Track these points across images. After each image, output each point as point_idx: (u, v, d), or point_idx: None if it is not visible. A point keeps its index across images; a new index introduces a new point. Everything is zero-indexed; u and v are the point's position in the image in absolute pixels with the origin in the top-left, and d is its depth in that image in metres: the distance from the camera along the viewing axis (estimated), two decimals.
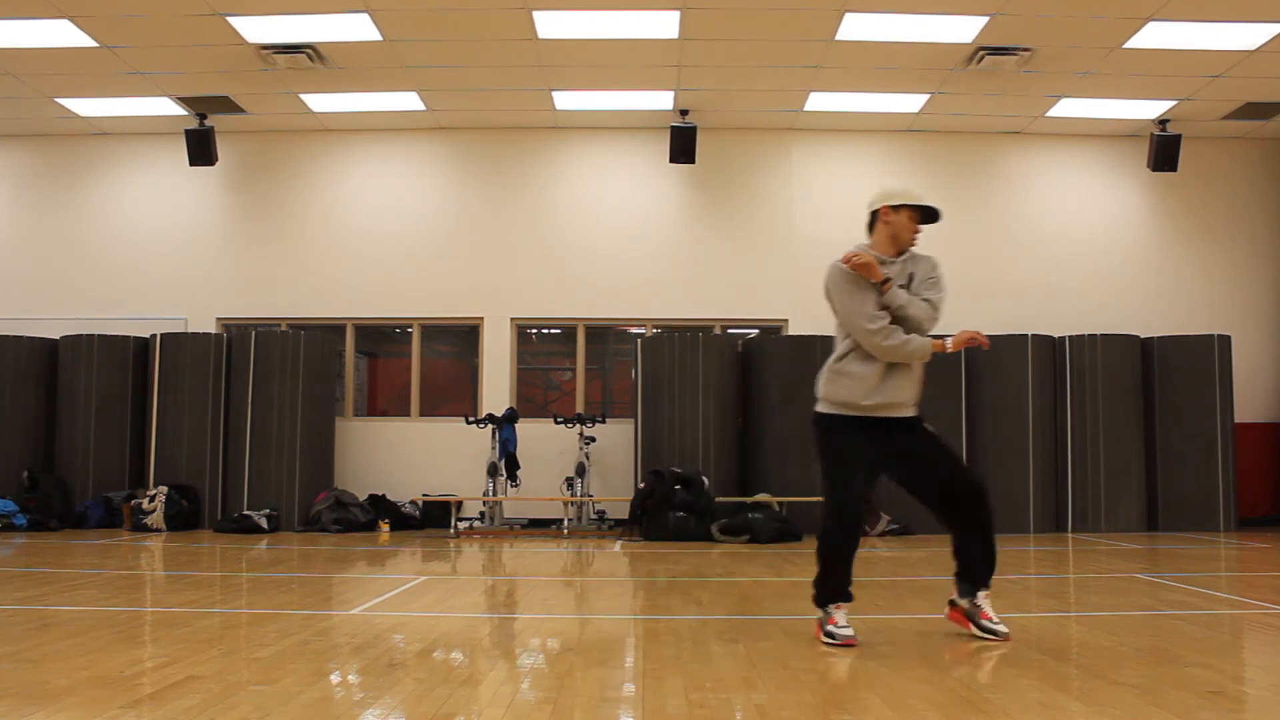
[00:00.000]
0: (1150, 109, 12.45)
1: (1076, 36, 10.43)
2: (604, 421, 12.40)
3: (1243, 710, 3.68)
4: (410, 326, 13.41)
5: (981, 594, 5.00)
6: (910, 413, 4.98)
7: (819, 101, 12.31)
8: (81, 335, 12.27)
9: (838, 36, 10.42)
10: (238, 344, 12.22)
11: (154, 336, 12.29)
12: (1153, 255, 13.37)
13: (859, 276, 4.88)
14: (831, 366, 4.98)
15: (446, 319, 13.41)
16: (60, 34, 10.31)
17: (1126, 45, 10.54)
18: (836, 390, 4.92)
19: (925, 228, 5.07)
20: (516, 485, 12.09)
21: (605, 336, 13.75)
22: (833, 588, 4.93)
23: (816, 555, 4.96)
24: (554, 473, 12.49)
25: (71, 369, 12.19)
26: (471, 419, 12.33)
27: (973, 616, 5.01)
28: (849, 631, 4.86)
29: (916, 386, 4.98)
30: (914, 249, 5.06)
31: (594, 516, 12.19)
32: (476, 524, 12.03)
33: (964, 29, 10.27)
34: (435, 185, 13.46)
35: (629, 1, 9.84)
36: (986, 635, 4.93)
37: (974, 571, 5.01)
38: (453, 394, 13.93)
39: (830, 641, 4.83)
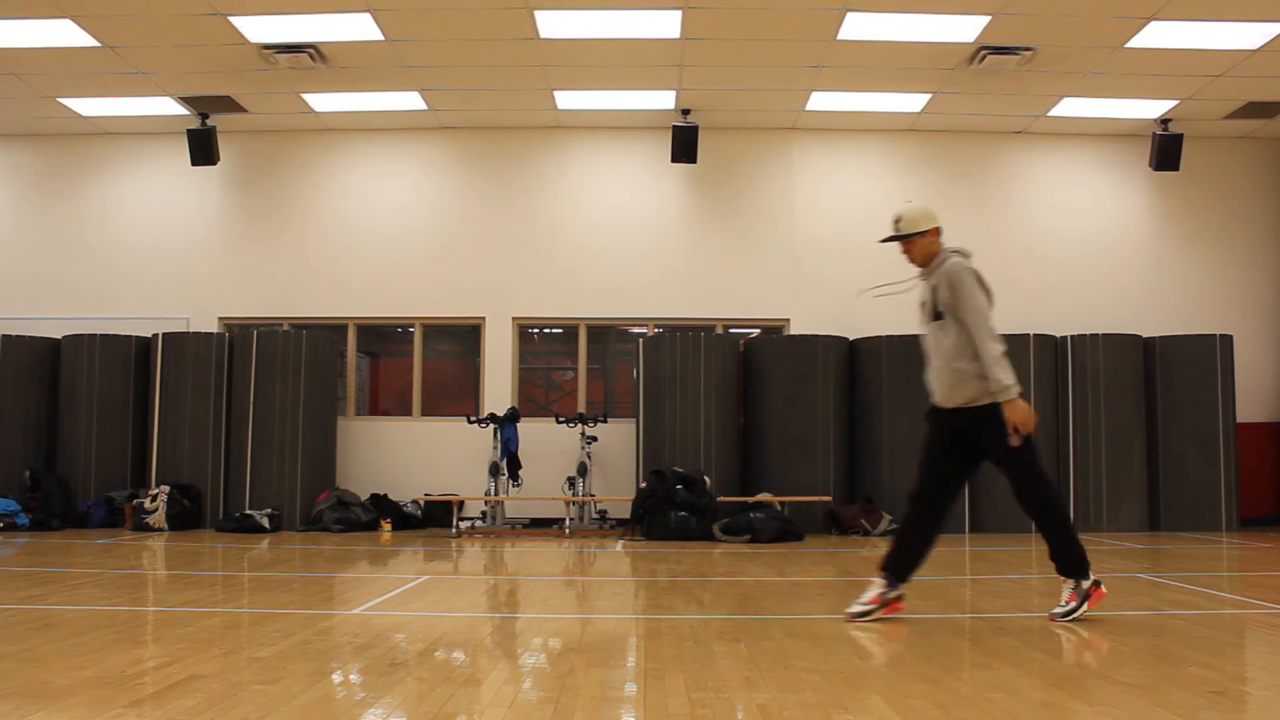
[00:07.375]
0: (1152, 108, 12.45)
1: (1078, 36, 10.43)
2: (605, 421, 12.41)
3: (1245, 710, 3.68)
4: (412, 326, 13.41)
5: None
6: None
7: (821, 101, 12.30)
8: (83, 335, 12.28)
9: (839, 36, 10.42)
10: (239, 343, 12.22)
11: (156, 336, 12.29)
12: (1154, 255, 13.36)
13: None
14: (975, 362, 5.38)
15: (448, 318, 13.41)
16: (61, 34, 10.32)
17: (1128, 45, 10.54)
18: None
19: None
20: (518, 485, 12.09)
21: (607, 336, 13.74)
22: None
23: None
24: (556, 472, 12.49)
25: (73, 369, 12.19)
26: (473, 418, 12.33)
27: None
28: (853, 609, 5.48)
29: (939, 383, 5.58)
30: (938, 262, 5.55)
31: (595, 516, 12.19)
32: (478, 523, 12.03)
33: (966, 28, 10.26)
34: (437, 185, 13.46)
35: (631, 1, 9.84)
36: None
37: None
38: (454, 393, 13.93)
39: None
